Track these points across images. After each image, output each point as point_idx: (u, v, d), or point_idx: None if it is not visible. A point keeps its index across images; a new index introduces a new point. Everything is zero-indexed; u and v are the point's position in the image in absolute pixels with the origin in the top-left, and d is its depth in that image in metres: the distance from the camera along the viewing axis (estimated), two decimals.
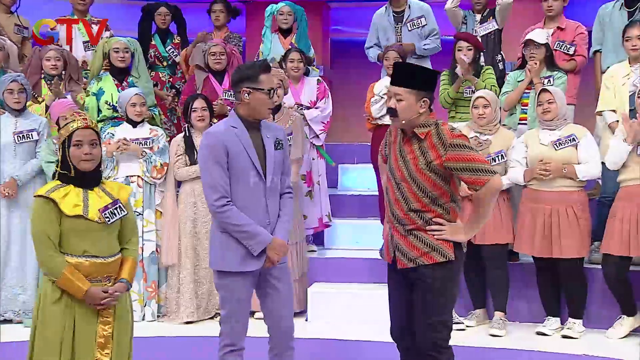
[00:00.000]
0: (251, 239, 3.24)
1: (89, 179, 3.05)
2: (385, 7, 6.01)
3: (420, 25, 5.89)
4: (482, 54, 5.39)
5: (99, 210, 2.99)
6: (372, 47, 6.04)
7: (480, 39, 5.52)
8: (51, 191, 2.96)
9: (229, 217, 3.23)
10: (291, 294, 3.52)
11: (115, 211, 3.03)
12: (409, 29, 5.90)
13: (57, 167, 3.06)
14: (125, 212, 3.08)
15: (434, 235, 3.11)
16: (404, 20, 5.92)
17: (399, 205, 3.15)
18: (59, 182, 3.03)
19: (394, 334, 3.32)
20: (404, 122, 3.13)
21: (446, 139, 3.05)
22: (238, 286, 3.30)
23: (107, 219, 2.99)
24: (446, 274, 3.12)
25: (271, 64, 5.87)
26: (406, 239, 3.14)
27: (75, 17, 6.02)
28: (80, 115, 3.07)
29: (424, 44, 5.89)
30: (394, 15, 5.96)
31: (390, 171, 3.20)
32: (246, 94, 3.25)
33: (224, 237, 3.30)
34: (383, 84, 5.36)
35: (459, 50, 5.22)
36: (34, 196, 3.03)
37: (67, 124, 3.04)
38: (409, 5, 5.94)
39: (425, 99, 3.11)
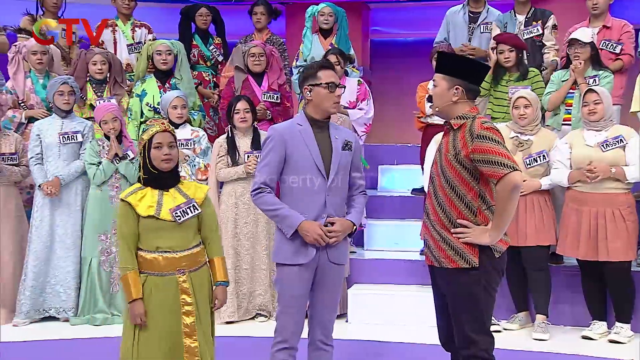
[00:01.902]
0: (282, 221, 3.29)
1: (166, 180, 3.26)
2: (463, 5, 6.03)
3: (491, 31, 5.86)
4: (525, 54, 5.30)
5: (169, 210, 3.18)
6: (441, 41, 6.03)
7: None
8: (130, 194, 3.22)
9: (263, 203, 3.32)
10: (340, 292, 3.52)
11: (188, 210, 3.21)
12: (481, 31, 5.89)
13: (139, 171, 3.29)
14: (199, 211, 3.25)
15: (458, 238, 3.00)
16: (478, 21, 5.91)
17: (430, 199, 3.10)
18: (139, 185, 3.27)
19: (440, 340, 3.26)
20: (437, 108, 3.12)
21: (475, 130, 2.96)
22: (292, 281, 3.32)
23: (177, 218, 3.18)
24: (470, 281, 2.99)
25: None
26: (433, 237, 3.08)
27: (120, 20, 6.14)
28: (157, 121, 3.33)
29: None
30: (469, 15, 5.97)
31: (431, 165, 3.19)
32: (308, 92, 3.35)
33: (280, 231, 3.36)
34: None
35: (500, 53, 5.16)
36: (119, 199, 3.28)
37: (148, 128, 3.28)
38: (487, 9, 5.95)
39: (458, 87, 3.04)
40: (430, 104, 3.25)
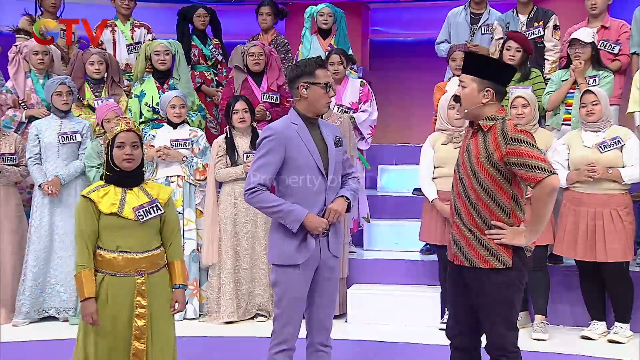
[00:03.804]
0: (287, 216, 3.25)
1: (130, 179, 3.22)
2: (464, 7, 6.05)
3: (492, 32, 5.87)
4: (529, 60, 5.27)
5: (132, 208, 3.14)
6: (442, 42, 6.08)
7: None
8: (92, 191, 3.17)
9: (261, 201, 3.27)
10: (336, 293, 3.53)
11: (151, 210, 3.18)
12: (483, 32, 5.91)
13: (103, 168, 3.25)
14: (162, 212, 3.21)
15: (493, 239, 3.04)
16: (480, 23, 5.92)
17: (461, 200, 3.11)
18: (102, 182, 3.23)
19: (449, 332, 3.29)
20: (466, 110, 3.10)
21: (508, 133, 2.98)
22: (294, 283, 3.31)
23: (140, 217, 3.15)
24: (504, 281, 3.04)
25: None
26: (465, 237, 3.10)
27: (119, 20, 6.14)
28: (124, 120, 3.27)
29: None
30: (471, 16, 5.99)
31: (456, 165, 3.19)
32: (304, 89, 3.29)
33: (279, 232, 3.34)
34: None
35: (507, 50, 5.14)
36: (80, 195, 3.23)
37: (112, 127, 3.23)
38: (489, 10, 5.98)
39: (488, 89, 3.05)
40: (457, 104, 3.20)
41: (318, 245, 3.32)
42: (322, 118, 3.43)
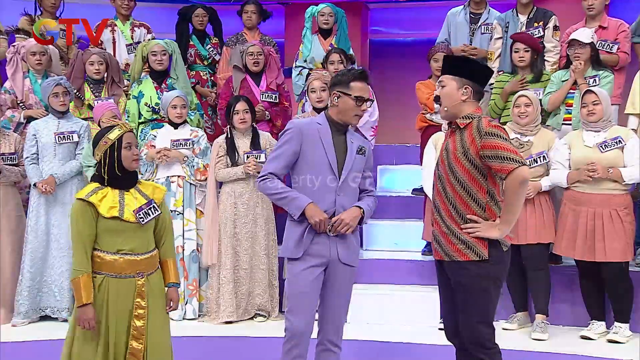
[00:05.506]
0: (290, 203, 3.33)
1: (126, 181, 3.21)
2: (464, 6, 6.06)
3: (491, 31, 5.87)
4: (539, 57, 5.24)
5: (133, 211, 3.14)
6: (443, 42, 6.05)
7: None
8: (90, 194, 3.13)
9: (268, 188, 3.37)
10: (350, 295, 3.53)
11: (150, 211, 3.19)
12: (482, 32, 5.91)
13: (96, 170, 3.21)
14: (159, 212, 3.22)
15: (468, 232, 3.11)
16: (479, 22, 5.92)
17: (440, 196, 3.20)
18: (97, 185, 3.19)
19: (447, 333, 3.34)
20: (446, 109, 3.21)
21: (482, 128, 3.08)
22: (297, 277, 3.36)
23: (141, 219, 3.15)
24: (481, 273, 3.10)
25: (313, 66, 5.92)
26: (443, 232, 3.18)
27: (119, 20, 6.14)
28: (120, 122, 3.31)
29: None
30: (470, 16, 5.99)
31: (436, 165, 3.28)
32: (336, 97, 3.41)
33: (287, 227, 3.43)
34: None
35: (515, 52, 5.15)
36: (76, 198, 3.19)
37: (112, 128, 3.22)
38: (488, 10, 5.98)
39: (467, 86, 3.16)
40: (437, 105, 3.32)
41: (327, 245, 3.37)
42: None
